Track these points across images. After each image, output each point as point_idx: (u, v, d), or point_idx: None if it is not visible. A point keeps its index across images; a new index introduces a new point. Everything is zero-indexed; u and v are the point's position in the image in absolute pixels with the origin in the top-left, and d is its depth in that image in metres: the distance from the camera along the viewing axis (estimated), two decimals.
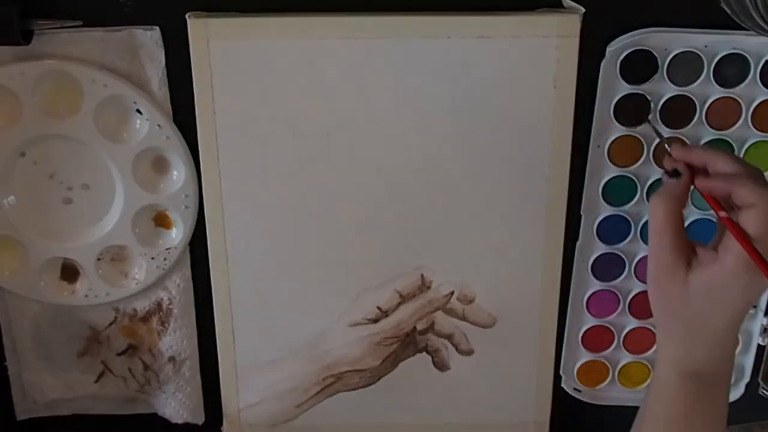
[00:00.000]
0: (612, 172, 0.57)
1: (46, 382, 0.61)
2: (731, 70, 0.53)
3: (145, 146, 0.54)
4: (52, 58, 0.52)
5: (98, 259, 0.57)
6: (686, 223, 0.56)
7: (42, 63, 0.51)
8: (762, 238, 0.41)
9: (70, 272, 0.58)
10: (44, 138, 0.54)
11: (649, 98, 0.54)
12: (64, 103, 0.53)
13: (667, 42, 0.53)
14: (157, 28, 0.52)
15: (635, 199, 0.57)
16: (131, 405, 0.63)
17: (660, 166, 0.56)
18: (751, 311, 0.61)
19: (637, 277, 0.60)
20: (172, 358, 0.61)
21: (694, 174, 0.46)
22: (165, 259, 0.57)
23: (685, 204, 0.45)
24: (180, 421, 0.62)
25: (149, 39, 0.52)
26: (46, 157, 0.54)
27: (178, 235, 0.57)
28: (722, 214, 0.44)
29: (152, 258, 0.57)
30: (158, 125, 0.53)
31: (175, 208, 0.56)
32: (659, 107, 0.54)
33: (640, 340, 0.62)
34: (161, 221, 0.57)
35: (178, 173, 0.55)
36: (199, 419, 0.63)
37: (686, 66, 0.53)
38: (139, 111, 0.53)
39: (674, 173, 0.46)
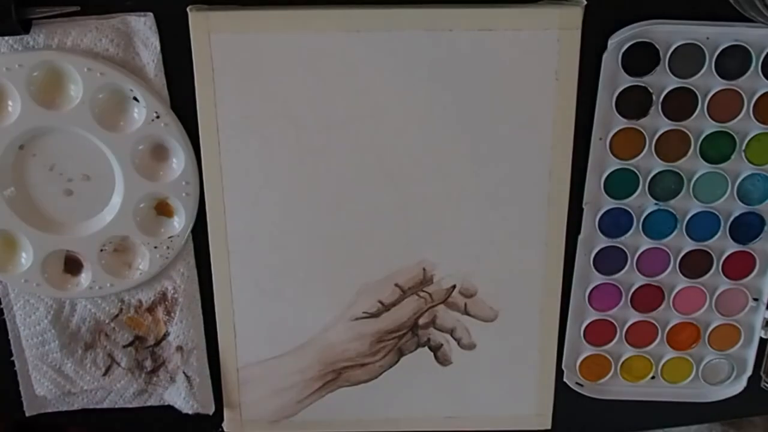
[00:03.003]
0: (614, 165, 0.56)
1: (54, 378, 0.61)
2: (733, 62, 0.53)
3: (143, 134, 0.54)
4: (46, 48, 0.52)
5: (101, 251, 0.57)
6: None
7: (37, 53, 0.51)
8: None
9: (73, 265, 0.58)
10: (42, 130, 0.53)
11: (651, 91, 0.54)
12: (61, 94, 0.53)
13: (669, 34, 0.53)
14: (151, 14, 0.52)
15: (637, 192, 0.57)
16: (141, 397, 0.63)
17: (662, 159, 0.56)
18: (753, 304, 0.61)
19: (639, 270, 0.60)
20: (179, 348, 0.60)
21: None
22: (168, 247, 0.57)
23: None
24: (191, 412, 0.62)
25: (143, 25, 0.52)
26: (44, 149, 0.54)
27: (180, 223, 0.57)
28: None
29: (155, 247, 0.57)
30: (155, 112, 0.53)
31: (176, 195, 0.56)
32: (661, 100, 0.54)
33: (642, 334, 0.62)
34: (162, 209, 0.57)
35: (178, 160, 0.55)
36: (210, 409, 0.63)
37: (688, 58, 0.53)
38: (135, 99, 0.53)
39: None
